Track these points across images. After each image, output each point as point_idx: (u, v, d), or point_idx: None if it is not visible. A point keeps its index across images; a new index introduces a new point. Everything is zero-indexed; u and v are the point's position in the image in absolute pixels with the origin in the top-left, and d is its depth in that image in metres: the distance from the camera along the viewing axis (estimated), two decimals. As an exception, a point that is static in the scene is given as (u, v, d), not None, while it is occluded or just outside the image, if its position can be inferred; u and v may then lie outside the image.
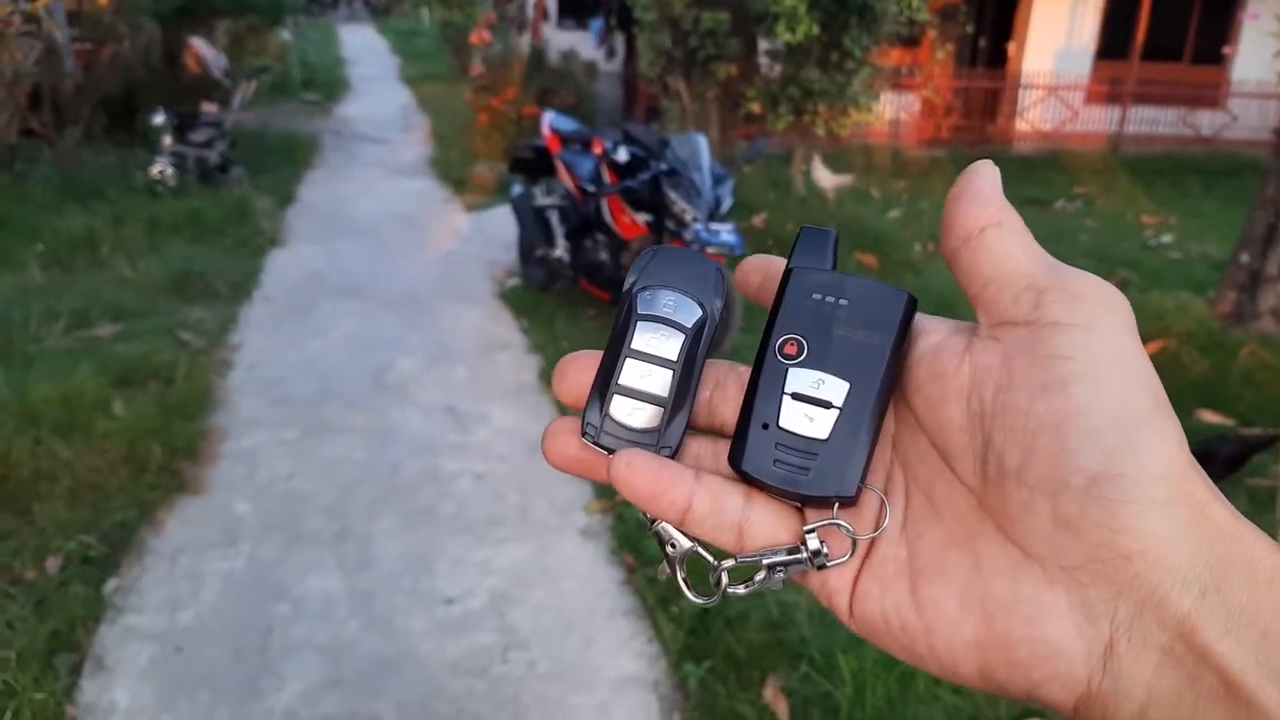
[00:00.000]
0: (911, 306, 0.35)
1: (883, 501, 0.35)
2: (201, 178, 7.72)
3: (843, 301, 0.36)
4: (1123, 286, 5.99)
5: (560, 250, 5.30)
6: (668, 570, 0.37)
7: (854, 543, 0.34)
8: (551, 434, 0.37)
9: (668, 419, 0.36)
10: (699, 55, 7.47)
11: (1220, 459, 3.43)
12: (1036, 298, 0.32)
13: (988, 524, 0.32)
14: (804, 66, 6.94)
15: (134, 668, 2.46)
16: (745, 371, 0.37)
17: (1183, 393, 4.16)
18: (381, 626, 2.68)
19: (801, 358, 0.35)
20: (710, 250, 4.47)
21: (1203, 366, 4.26)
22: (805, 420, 0.35)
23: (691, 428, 0.37)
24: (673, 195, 4.51)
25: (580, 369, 0.37)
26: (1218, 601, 0.28)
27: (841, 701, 2.27)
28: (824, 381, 0.35)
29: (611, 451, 0.36)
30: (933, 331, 0.35)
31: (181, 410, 3.78)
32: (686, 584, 0.37)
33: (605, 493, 3.38)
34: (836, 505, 0.34)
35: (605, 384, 0.36)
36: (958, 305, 5.39)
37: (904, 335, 0.35)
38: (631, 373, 0.36)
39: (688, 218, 4.48)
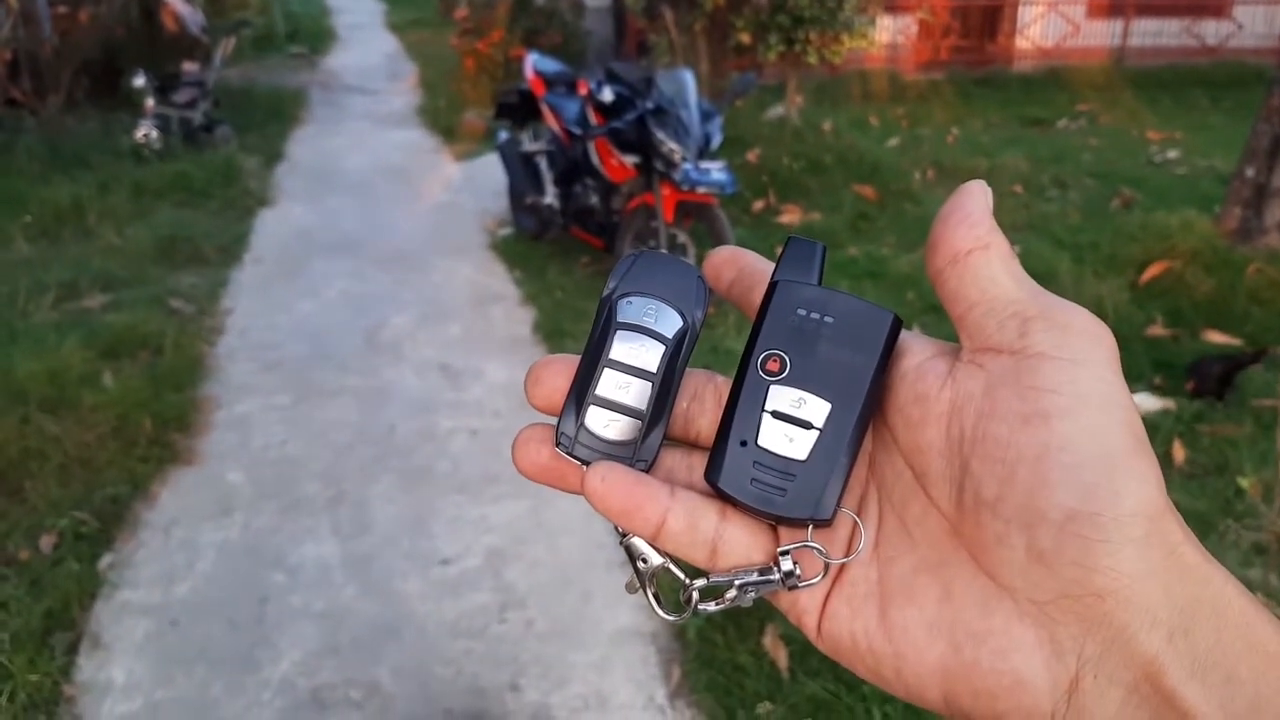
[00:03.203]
0: (897, 327, 0.35)
1: (857, 525, 0.35)
2: (186, 139, 7.60)
3: (828, 319, 0.35)
4: (1127, 206, 5.88)
5: (550, 197, 5.21)
6: (637, 586, 0.36)
7: (826, 566, 0.34)
8: (522, 442, 0.36)
9: (644, 432, 0.35)
10: (685, -14, 7.28)
11: (1211, 377, 3.37)
12: (1022, 325, 0.31)
13: (960, 551, 0.32)
14: (793, -7, 6.75)
15: (130, 643, 2.45)
16: (724, 383, 0.37)
17: (1189, 313, 4.08)
18: (378, 591, 2.66)
19: (783, 375, 0.35)
20: (701, 190, 4.37)
21: (1209, 286, 4.17)
22: (785, 440, 0.34)
23: (667, 439, 0.36)
24: (660, 135, 4.39)
25: (555, 374, 0.36)
26: (1185, 644, 0.28)
27: (840, 648, 2.25)
28: (805, 401, 0.34)
29: (586, 463, 0.35)
30: (916, 351, 0.35)
31: (172, 380, 3.74)
32: (657, 600, 0.36)
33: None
34: (811, 528, 0.34)
35: (581, 394, 0.35)
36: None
37: (888, 356, 0.35)
38: (609, 383, 0.35)
39: (676, 157, 4.37)
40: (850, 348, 0.34)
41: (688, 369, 0.37)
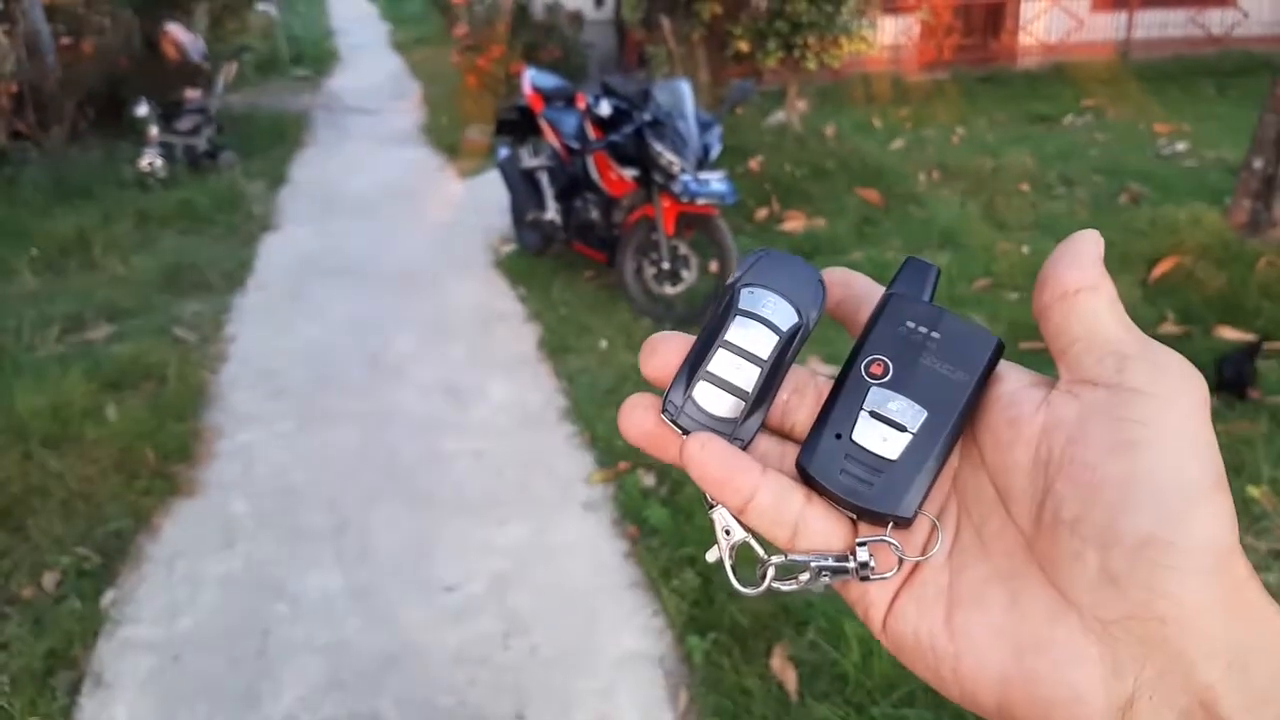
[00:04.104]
0: (999, 351, 0.37)
1: (935, 528, 0.36)
2: (191, 166, 7.62)
3: (934, 334, 0.37)
4: (1134, 201, 5.81)
5: (551, 212, 5.18)
6: (719, 554, 0.38)
7: (900, 562, 0.36)
8: (630, 406, 0.38)
9: (747, 413, 0.37)
10: (682, -4, 7.26)
11: (1242, 374, 3.31)
12: (1120, 362, 0.33)
13: (1032, 566, 0.33)
14: (790, -1, 6.72)
15: (133, 681, 2.43)
16: (825, 383, 0.39)
17: (1200, 309, 4.01)
18: (381, 621, 2.63)
19: (885, 379, 0.37)
20: (701, 201, 4.34)
21: (1219, 281, 4.10)
22: (879, 439, 0.36)
23: (764, 427, 0.38)
24: (658, 147, 4.36)
25: (672, 349, 0.38)
26: (1242, 679, 0.29)
27: (849, 669, 2.20)
28: (903, 406, 0.36)
29: (687, 432, 0.37)
30: (1012, 379, 0.36)
31: (175, 410, 3.72)
32: (734, 572, 0.37)
33: (607, 462, 3.31)
34: (891, 524, 0.36)
35: (694, 368, 0.37)
36: (961, 237, 5.25)
37: (987, 377, 0.36)
38: (722, 362, 0.37)
39: (675, 169, 4.34)
40: (952, 364, 0.36)
41: (793, 365, 0.38)
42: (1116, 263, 4.61)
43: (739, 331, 0.37)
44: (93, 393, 3.74)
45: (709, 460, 0.36)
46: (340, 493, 3.26)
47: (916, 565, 0.36)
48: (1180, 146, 7.40)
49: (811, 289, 0.39)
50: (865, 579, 0.36)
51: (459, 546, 2.94)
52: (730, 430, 0.37)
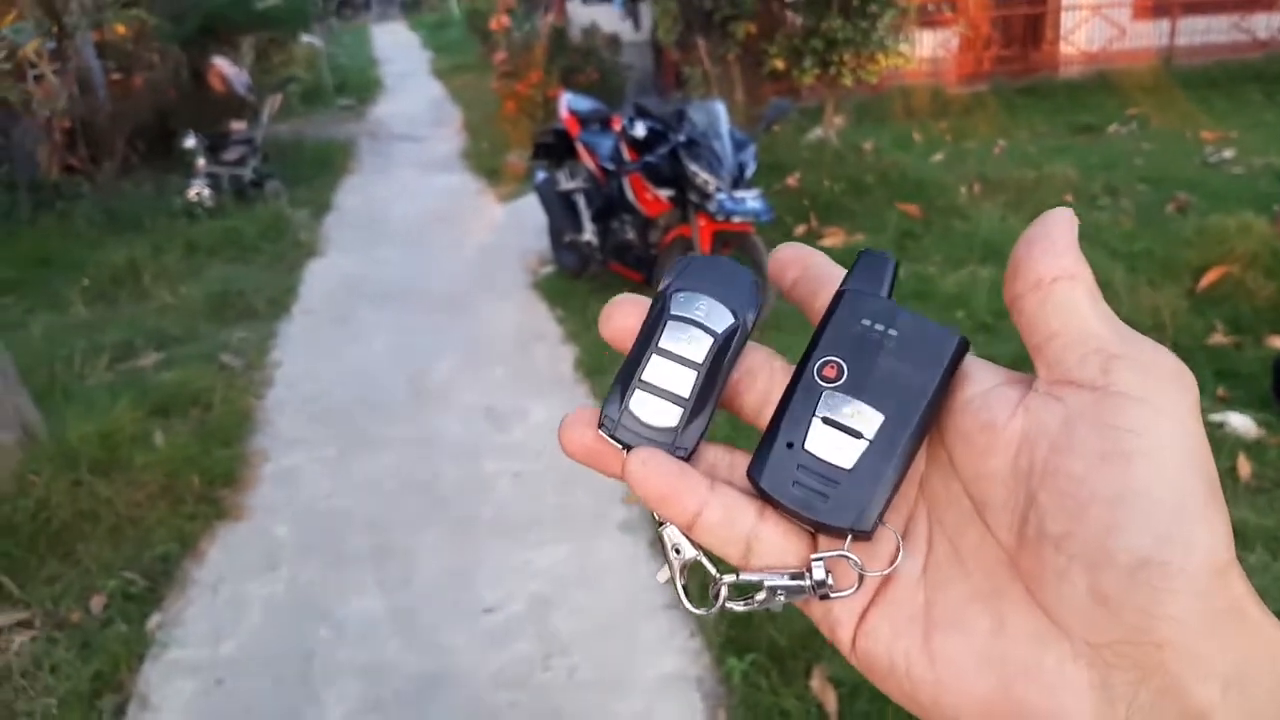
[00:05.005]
0: (962, 349, 0.34)
1: (898, 542, 0.34)
2: (237, 195, 7.78)
3: (891, 332, 0.35)
4: (1182, 210, 5.70)
5: (589, 234, 5.21)
6: (668, 575, 0.36)
7: (860, 578, 0.34)
8: (570, 423, 0.36)
9: (685, 421, 0.35)
10: (716, 16, 7.27)
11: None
12: (1105, 362, 0.31)
13: (1016, 584, 0.32)
14: (825, 16, 6.70)
15: (177, 704, 2.46)
16: (782, 367, 0.37)
17: (1250, 319, 3.92)
18: (422, 644, 2.64)
19: (839, 382, 0.35)
20: (736, 219, 4.34)
21: (1269, 290, 4.01)
22: (832, 447, 0.34)
23: (716, 406, 0.36)
24: (693, 167, 4.38)
25: (627, 313, 0.37)
26: (1240, 699, 0.28)
27: (890, 690, 2.17)
28: (858, 410, 0.34)
29: (627, 447, 0.35)
30: (984, 378, 0.34)
31: (220, 435, 3.79)
32: (685, 592, 0.36)
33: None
34: (850, 537, 0.34)
35: (628, 378, 0.36)
36: (1003, 249, 5.18)
37: (949, 377, 0.34)
38: (656, 370, 0.36)
39: (710, 188, 4.34)
40: (911, 364, 0.34)
41: (749, 344, 0.37)
42: (1163, 272, 4.53)
43: (672, 336, 0.36)
44: (140, 419, 3.81)
45: (651, 476, 0.34)
46: (382, 516, 3.28)
47: (886, 583, 0.34)
48: (1227, 154, 7.26)
49: (746, 289, 0.37)
50: (824, 597, 0.34)
51: (499, 568, 2.95)
52: (671, 440, 0.35)
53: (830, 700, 2.22)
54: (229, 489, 3.45)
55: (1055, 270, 0.32)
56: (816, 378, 0.35)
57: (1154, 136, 8.24)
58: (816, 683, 2.26)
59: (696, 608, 0.36)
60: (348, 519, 3.28)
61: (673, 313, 0.36)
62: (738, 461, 0.36)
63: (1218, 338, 3.81)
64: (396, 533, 3.18)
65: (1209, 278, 4.25)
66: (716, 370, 0.36)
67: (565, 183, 5.34)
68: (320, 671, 2.55)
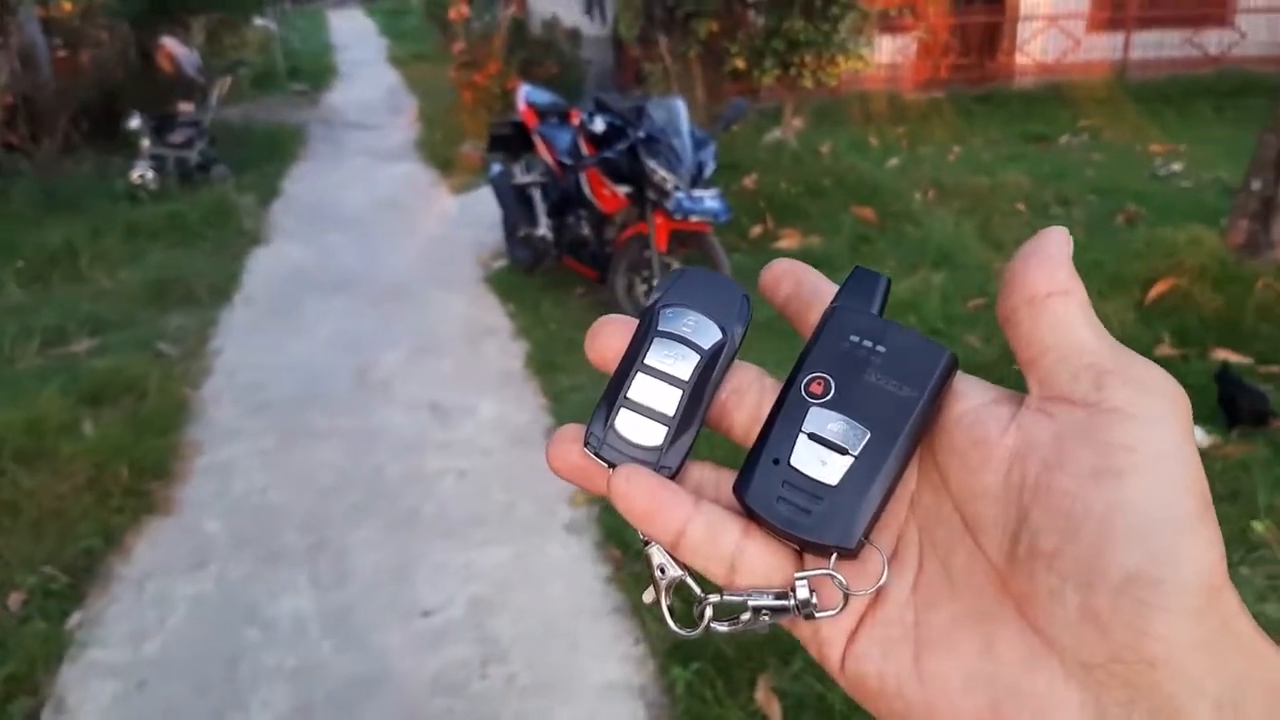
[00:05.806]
0: (951, 366, 0.34)
1: (884, 561, 0.34)
2: (183, 179, 7.59)
3: (880, 348, 0.35)
4: (1131, 221, 5.76)
5: (544, 228, 5.14)
6: (653, 595, 0.36)
7: (846, 597, 0.33)
8: (557, 440, 0.36)
9: (671, 438, 0.35)
10: (678, 12, 7.22)
11: (1244, 410, 3.24)
12: (1097, 378, 0.30)
13: (1007, 604, 0.31)
14: (787, 17, 6.68)
15: (95, 707, 2.35)
16: (772, 385, 0.36)
17: (1197, 332, 3.95)
18: (356, 646, 2.55)
19: (826, 398, 0.34)
20: (694, 219, 4.29)
21: (1217, 303, 4.05)
22: (817, 463, 0.33)
23: (703, 425, 0.36)
24: (652, 164, 4.32)
25: (612, 334, 0.36)
26: (1233, 718, 0.28)
27: (835, 701, 2.13)
28: (844, 426, 0.34)
29: (612, 465, 0.35)
30: (975, 395, 0.34)
31: (154, 426, 3.65)
32: (671, 612, 0.35)
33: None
34: (834, 556, 0.33)
35: (613, 396, 0.35)
36: (956, 255, 5.20)
37: (937, 394, 0.34)
38: (641, 387, 0.35)
39: (669, 186, 4.29)
40: (899, 380, 0.34)
41: (739, 363, 0.37)
42: (1112, 283, 4.56)
43: (658, 353, 0.35)
44: (70, 407, 3.67)
45: (634, 494, 0.34)
46: (319, 512, 3.18)
47: (876, 603, 0.33)
48: (1176, 167, 7.37)
49: (735, 304, 0.37)
50: (809, 617, 0.33)
51: (438, 569, 2.86)
52: (655, 459, 0.35)
53: (775, 712, 2.17)
54: (159, 482, 3.32)
55: (1050, 286, 0.32)
56: (803, 394, 0.35)
57: (1105, 148, 8.34)
58: (761, 694, 2.21)
59: (681, 629, 0.35)
60: (283, 514, 3.17)
61: (660, 329, 0.36)
62: (724, 480, 0.36)
63: (1165, 349, 3.83)
64: (333, 530, 3.08)
65: (1157, 289, 4.28)
66: (702, 388, 0.35)
67: (521, 176, 5.25)
68: (248, 674, 2.45)
